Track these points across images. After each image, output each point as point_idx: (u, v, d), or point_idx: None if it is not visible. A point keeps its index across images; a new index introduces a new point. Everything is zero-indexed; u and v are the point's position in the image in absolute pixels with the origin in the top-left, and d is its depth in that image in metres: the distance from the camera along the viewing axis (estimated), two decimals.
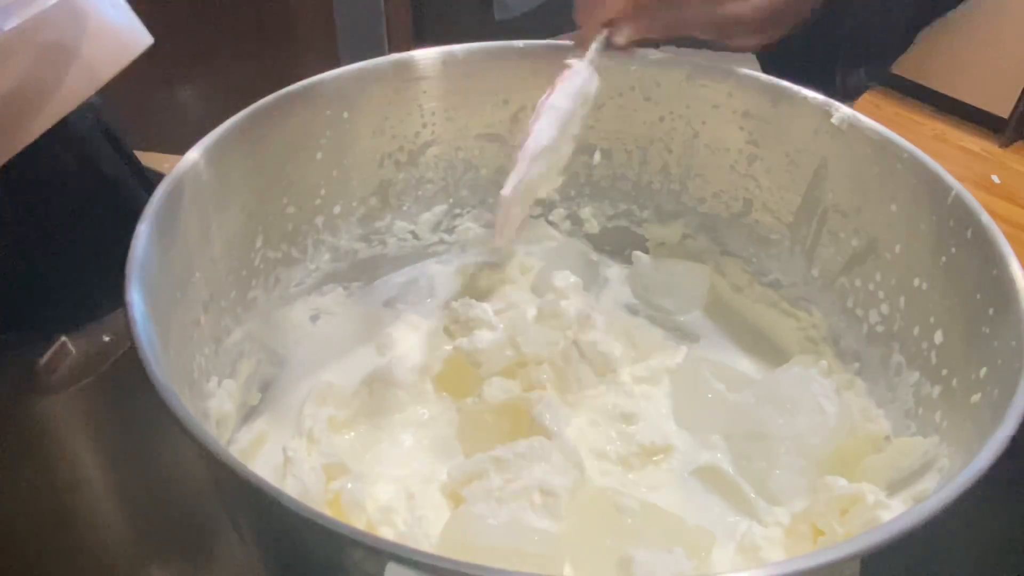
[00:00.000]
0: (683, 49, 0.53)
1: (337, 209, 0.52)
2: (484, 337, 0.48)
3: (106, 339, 0.44)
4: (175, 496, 0.46)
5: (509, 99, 0.53)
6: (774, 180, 0.52)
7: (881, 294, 0.47)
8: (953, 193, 0.42)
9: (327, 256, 0.53)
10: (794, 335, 0.53)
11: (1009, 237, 0.39)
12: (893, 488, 0.40)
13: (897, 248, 0.45)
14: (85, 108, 0.42)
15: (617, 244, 0.59)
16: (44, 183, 0.42)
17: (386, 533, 0.39)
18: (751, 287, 0.55)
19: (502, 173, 0.56)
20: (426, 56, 0.51)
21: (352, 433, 0.46)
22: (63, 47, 0.39)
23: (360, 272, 0.55)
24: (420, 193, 0.55)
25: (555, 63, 0.47)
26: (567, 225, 0.59)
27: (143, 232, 0.36)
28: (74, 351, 0.43)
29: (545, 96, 0.46)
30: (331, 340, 0.52)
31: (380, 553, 0.25)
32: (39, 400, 0.41)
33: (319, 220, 0.51)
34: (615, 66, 0.51)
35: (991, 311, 0.38)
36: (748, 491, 0.44)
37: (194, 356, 0.40)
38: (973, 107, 2.53)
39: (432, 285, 0.56)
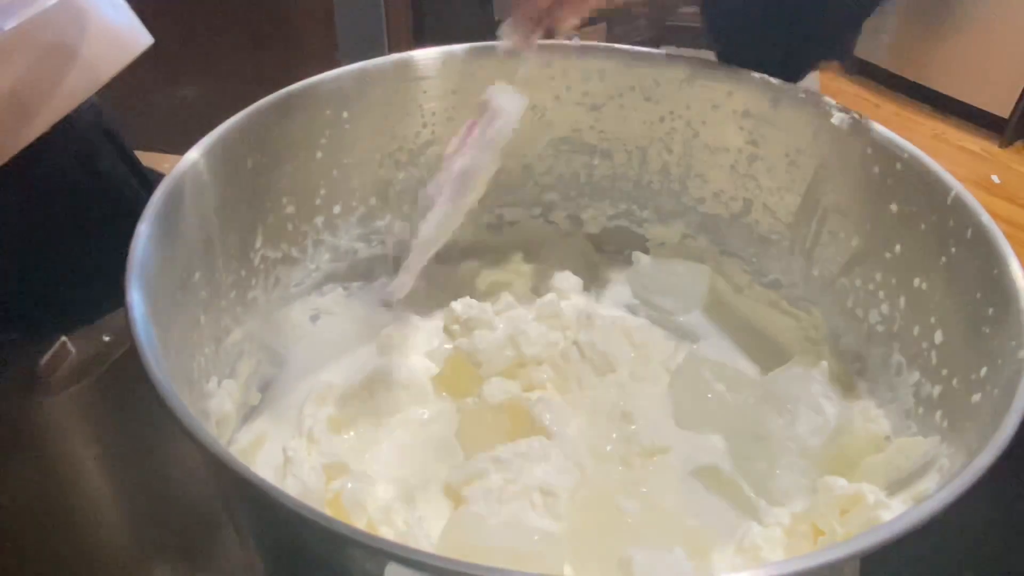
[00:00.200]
0: (683, 49, 0.53)
1: (337, 209, 0.52)
2: (484, 337, 0.48)
3: (106, 339, 0.44)
4: (175, 496, 0.46)
5: None
6: (774, 180, 0.52)
7: (881, 294, 0.47)
8: (953, 193, 0.42)
9: (327, 256, 0.53)
10: (794, 335, 0.53)
11: (1009, 237, 0.39)
12: (893, 488, 0.40)
13: (897, 248, 0.45)
14: (85, 108, 0.42)
15: (617, 244, 0.59)
16: (44, 183, 0.42)
17: (386, 533, 0.39)
18: (751, 287, 0.55)
19: (502, 173, 0.56)
20: (426, 56, 0.51)
21: (352, 433, 0.46)
22: (63, 47, 0.39)
23: (360, 272, 0.55)
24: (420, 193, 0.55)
25: (554, 63, 0.47)
26: (567, 225, 0.59)
27: (143, 232, 0.36)
28: (74, 351, 0.43)
29: (462, 138, 0.45)
30: (331, 340, 0.52)
31: (380, 553, 0.25)
32: (39, 400, 0.41)
33: (319, 220, 0.51)
34: (614, 67, 0.51)
35: (991, 311, 0.38)
36: (748, 491, 0.44)
37: (194, 356, 0.40)
38: (973, 107, 2.53)
39: (432, 285, 0.56)
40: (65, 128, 0.40)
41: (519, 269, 0.56)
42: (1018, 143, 2.53)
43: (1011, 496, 0.41)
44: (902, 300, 0.45)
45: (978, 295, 0.39)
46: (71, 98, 0.40)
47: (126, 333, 0.32)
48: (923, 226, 0.43)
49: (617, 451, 0.45)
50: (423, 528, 0.40)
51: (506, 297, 0.52)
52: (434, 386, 0.48)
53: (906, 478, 0.40)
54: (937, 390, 0.41)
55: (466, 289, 0.55)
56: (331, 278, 0.54)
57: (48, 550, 0.45)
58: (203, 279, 0.42)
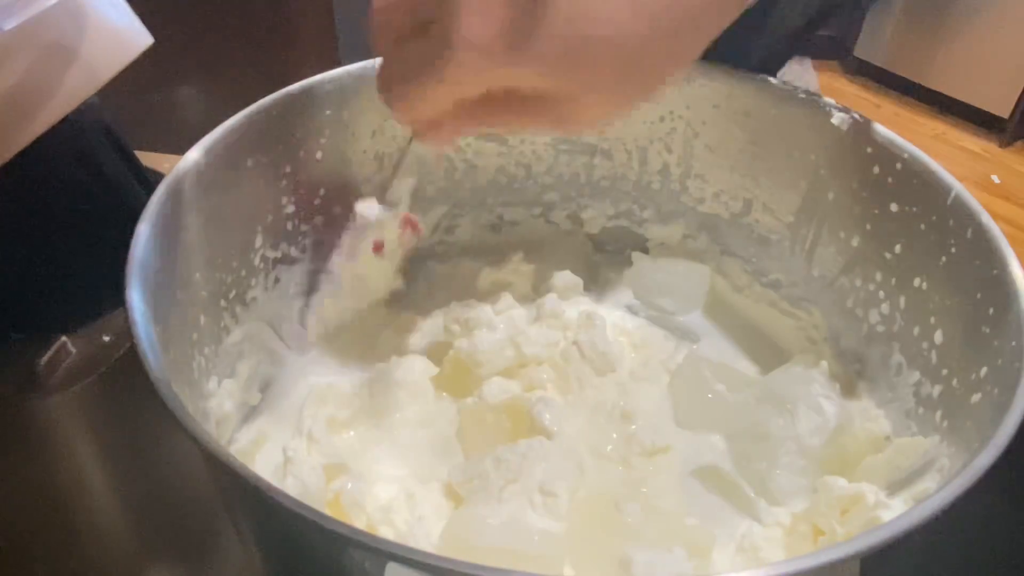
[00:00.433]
0: None
1: (337, 209, 0.52)
2: (484, 337, 0.48)
3: (106, 339, 0.44)
4: (175, 496, 0.46)
5: None
6: (774, 180, 0.52)
7: (881, 294, 0.47)
8: (953, 193, 0.42)
9: (327, 256, 0.53)
10: (794, 335, 0.53)
11: (1009, 237, 0.39)
12: (893, 488, 0.40)
13: (897, 248, 0.45)
14: (85, 108, 0.42)
15: (617, 244, 0.59)
16: (44, 183, 0.42)
17: (386, 533, 0.39)
18: (751, 287, 0.55)
19: (503, 173, 0.57)
20: None
21: (352, 433, 0.46)
22: (63, 47, 0.39)
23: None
24: (420, 194, 0.55)
25: None
26: (567, 225, 0.59)
27: (143, 232, 0.36)
28: (74, 351, 0.43)
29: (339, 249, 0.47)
30: (331, 340, 0.52)
31: (380, 553, 0.25)
32: (39, 400, 0.41)
33: (319, 220, 0.51)
34: None
35: (991, 311, 0.38)
36: (748, 491, 0.44)
37: (194, 356, 0.40)
38: (973, 107, 2.53)
39: (432, 285, 0.56)
40: (65, 128, 0.40)
41: (519, 269, 0.56)
42: (1018, 143, 2.53)
43: (1011, 496, 0.41)
44: (902, 300, 0.45)
45: (978, 295, 0.39)
46: (71, 98, 0.40)
47: (126, 333, 0.32)
48: (923, 226, 0.43)
49: (617, 451, 0.45)
50: (423, 528, 0.40)
51: (506, 297, 0.52)
52: (434, 386, 0.48)
53: (906, 478, 0.40)
54: (937, 390, 0.41)
55: (466, 289, 0.55)
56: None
57: (48, 550, 0.45)
58: (203, 279, 0.42)
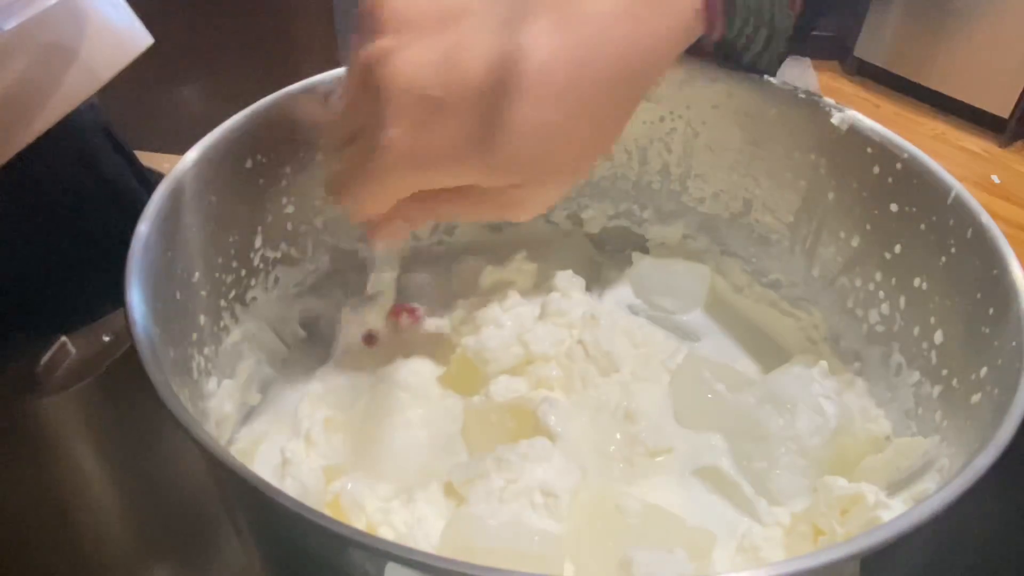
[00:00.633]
0: None
1: (337, 209, 0.52)
2: (492, 335, 0.48)
3: (106, 339, 0.44)
4: (175, 496, 0.46)
5: None
6: (774, 180, 0.52)
7: (881, 294, 0.47)
8: (953, 193, 0.42)
9: (327, 256, 0.53)
10: (794, 335, 0.53)
11: (1009, 237, 0.39)
12: (893, 488, 0.40)
13: (897, 248, 0.45)
14: (85, 108, 0.42)
15: (617, 244, 0.59)
16: (44, 183, 0.43)
17: (386, 533, 0.39)
18: (751, 287, 0.55)
19: None
20: None
21: (352, 433, 0.46)
22: (63, 47, 0.39)
23: (360, 272, 0.55)
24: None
25: None
26: (567, 225, 0.59)
27: (143, 232, 0.36)
28: (74, 351, 0.43)
29: None
30: (332, 340, 0.52)
31: (380, 553, 0.25)
32: (39, 400, 0.41)
33: (319, 220, 0.51)
34: None
35: (991, 311, 0.38)
36: (748, 491, 0.44)
37: (194, 356, 0.40)
38: (973, 107, 2.54)
39: (433, 285, 0.56)
40: (65, 128, 0.40)
41: (522, 268, 0.56)
42: (1018, 143, 2.53)
43: (1012, 496, 0.41)
44: (902, 300, 0.45)
45: (978, 295, 0.39)
46: (71, 98, 0.40)
47: (126, 333, 0.32)
48: (923, 226, 0.43)
49: (620, 451, 0.45)
50: (423, 528, 0.40)
51: (513, 294, 0.52)
52: (440, 385, 0.48)
53: (906, 478, 0.40)
54: (937, 390, 0.41)
55: (469, 287, 0.55)
56: (331, 278, 0.53)
57: (48, 550, 0.45)
58: (203, 279, 0.42)
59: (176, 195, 0.39)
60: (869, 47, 2.73)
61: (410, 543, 0.37)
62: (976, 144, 2.52)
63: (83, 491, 0.45)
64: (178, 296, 0.39)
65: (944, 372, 0.41)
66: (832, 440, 0.44)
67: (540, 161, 0.35)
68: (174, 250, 0.39)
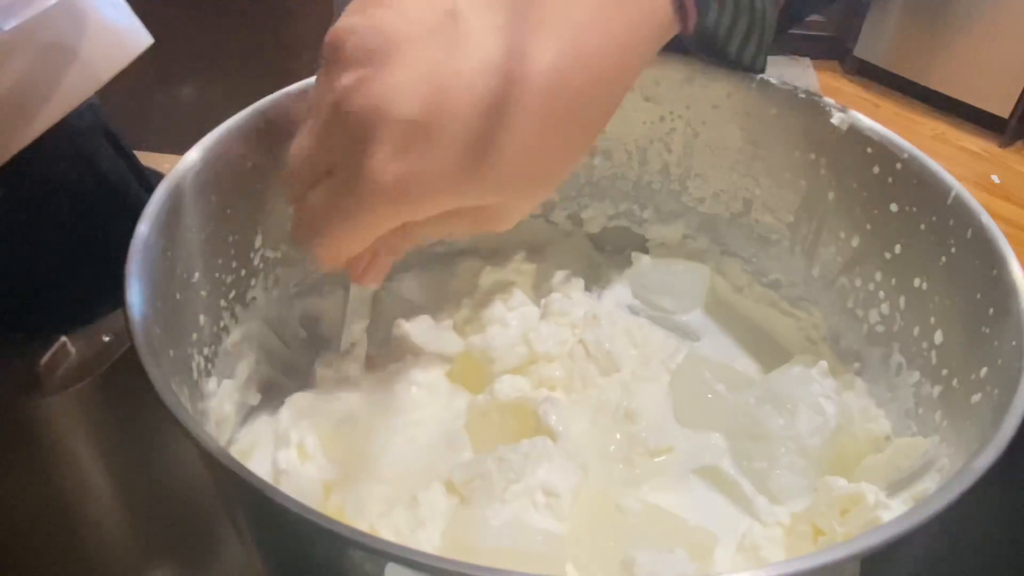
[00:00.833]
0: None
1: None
2: (497, 334, 0.48)
3: (106, 339, 0.44)
4: (175, 496, 0.46)
5: None
6: (774, 180, 0.52)
7: (881, 294, 0.47)
8: (953, 193, 0.42)
9: None
10: (794, 335, 0.53)
11: (1009, 237, 0.39)
12: (893, 488, 0.40)
13: (897, 248, 0.45)
14: (85, 108, 0.42)
15: (617, 244, 0.59)
16: (44, 183, 0.42)
17: (386, 534, 0.39)
18: (751, 287, 0.55)
19: None
20: None
21: (354, 432, 0.46)
22: (63, 47, 0.39)
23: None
24: None
25: None
26: (567, 225, 0.59)
27: (143, 232, 0.36)
28: (74, 351, 0.43)
29: None
30: (332, 340, 0.52)
31: (380, 553, 0.25)
32: (39, 400, 0.41)
33: None
34: None
35: (991, 311, 0.38)
36: (749, 490, 0.44)
37: (194, 356, 0.40)
38: (973, 107, 2.54)
39: (434, 285, 0.56)
40: (65, 128, 0.40)
41: (521, 268, 0.56)
42: (1018, 143, 2.53)
43: (1012, 497, 0.41)
44: (902, 300, 0.45)
45: (978, 295, 0.39)
46: (71, 98, 0.40)
47: (126, 333, 0.32)
48: (923, 226, 0.43)
49: (620, 451, 0.45)
50: (425, 529, 0.40)
51: (518, 294, 0.52)
52: (446, 383, 0.48)
53: (906, 478, 0.40)
54: (937, 390, 0.41)
55: (469, 287, 0.55)
56: (331, 278, 0.53)
57: (47, 550, 0.45)
58: (203, 279, 0.42)
59: (176, 195, 0.39)
60: (869, 47, 2.73)
61: (411, 543, 0.37)
62: (976, 144, 2.52)
63: (83, 491, 0.45)
64: (178, 296, 0.39)
65: (944, 372, 0.41)
66: (832, 440, 0.44)
67: (529, 176, 0.34)
68: (174, 250, 0.39)
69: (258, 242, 0.47)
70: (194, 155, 0.41)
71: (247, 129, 0.44)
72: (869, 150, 0.46)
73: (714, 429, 0.47)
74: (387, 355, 0.49)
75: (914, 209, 0.44)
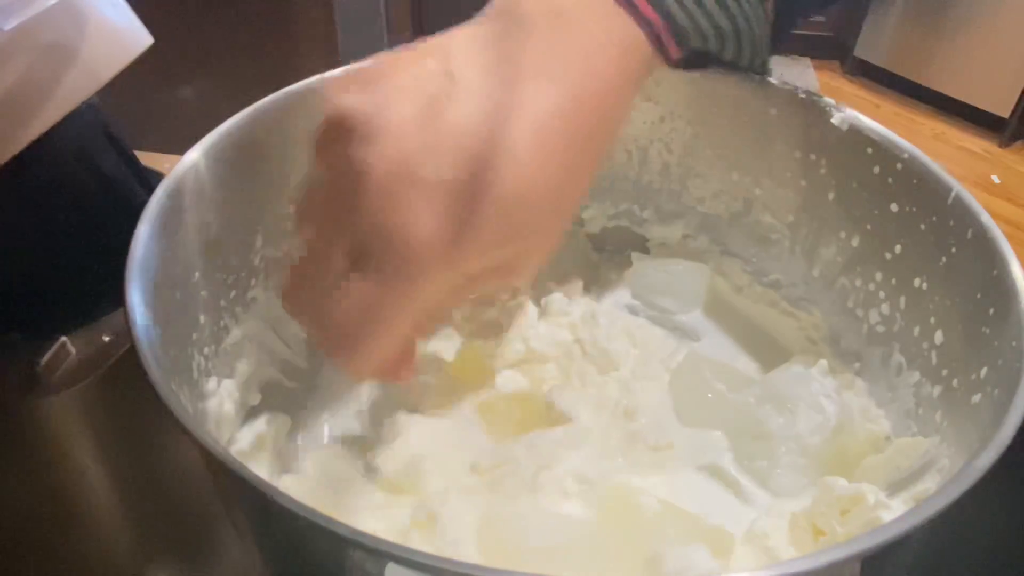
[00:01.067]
0: None
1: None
2: (497, 333, 0.48)
3: (106, 339, 0.44)
4: (175, 496, 0.46)
5: None
6: (774, 180, 0.52)
7: (881, 294, 0.47)
8: (953, 193, 0.42)
9: None
10: (794, 335, 0.53)
11: (1009, 237, 0.39)
12: (893, 488, 0.40)
13: (897, 248, 0.45)
14: (85, 108, 0.42)
15: (617, 244, 0.59)
16: (44, 183, 0.42)
17: (416, 539, 0.38)
18: (751, 287, 0.55)
19: None
20: None
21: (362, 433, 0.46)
22: (63, 47, 0.39)
23: None
24: None
25: None
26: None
27: (143, 232, 0.36)
28: (74, 351, 0.43)
29: None
30: None
31: (380, 553, 0.25)
32: (39, 400, 0.41)
33: None
34: None
35: (991, 311, 0.38)
36: (750, 488, 0.44)
37: (194, 356, 0.40)
38: (973, 107, 2.54)
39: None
40: (65, 128, 0.40)
41: None
42: (1018, 143, 2.53)
43: (1012, 497, 0.41)
44: (902, 300, 0.45)
45: (978, 295, 0.39)
46: (71, 98, 0.40)
47: (126, 333, 0.32)
48: (923, 226, 0.43)
49: (620, 448, 0.45)
50: (456, 529, 0.39)
51: (511, 295, 0.52)
52: (447, 380, 0.48)
53: (906, 478, 0.40)
54: (937, 390, 0.41)
55: None
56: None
57: (47, 550, 0.45)
58: (203, 279, 0.42)
59: (176, 195, 0.39)
60: (869, 47, 2.73)
61: (449, 548, 0.37)
62: (976, 144, 2.52)
63: (83, 491, 0.45)
64: (178, 296, 0.39)
65: (944, 372, 0.41)
66: (832, 439, 0.44)
67: (553, 209, 0.33)
68: (174, 250, 0.39)
69: (258, 242, 0.47)
70: (194, 155, 0.41)
71: (247, 129, 0.44)
72: (869, 150, 0.46)
73: (715, 429, 0.47)
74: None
75: (914, 209, 0.44)
